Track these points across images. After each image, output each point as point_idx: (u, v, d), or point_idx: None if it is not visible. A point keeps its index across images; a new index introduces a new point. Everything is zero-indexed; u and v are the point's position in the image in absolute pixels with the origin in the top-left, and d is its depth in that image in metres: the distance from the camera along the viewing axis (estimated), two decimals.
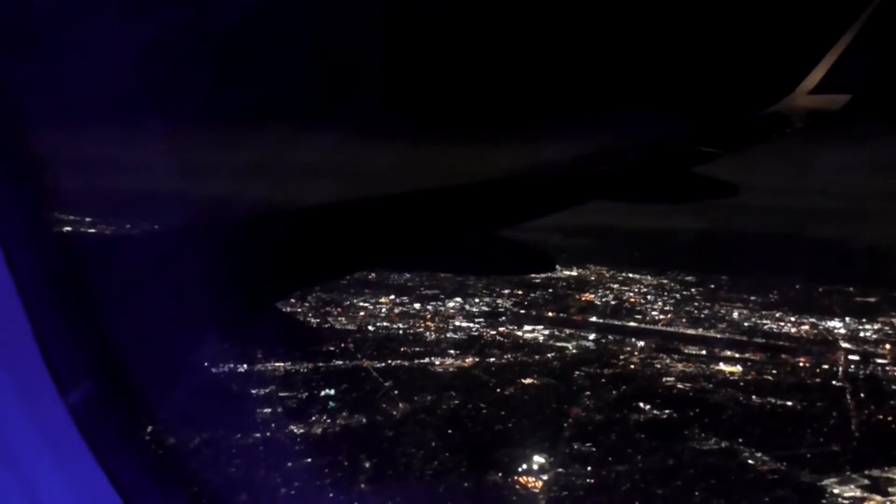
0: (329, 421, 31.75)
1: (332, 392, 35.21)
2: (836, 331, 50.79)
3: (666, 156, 6.92)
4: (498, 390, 36.50)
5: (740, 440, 30.67)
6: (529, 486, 26.33)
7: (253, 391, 34.70)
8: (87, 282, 3.38)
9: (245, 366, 38.05)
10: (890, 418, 33.73)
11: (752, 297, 59.35)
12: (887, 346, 46.86)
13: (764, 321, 53.69)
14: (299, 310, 50.12)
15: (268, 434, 30.20)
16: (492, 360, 42.36)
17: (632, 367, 41.74)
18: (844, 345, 47.45)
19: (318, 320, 49.65)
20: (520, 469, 27.52)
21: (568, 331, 49.57)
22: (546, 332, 49.31)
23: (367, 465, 27.46)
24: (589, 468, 27.71)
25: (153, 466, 3.39)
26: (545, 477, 26.93)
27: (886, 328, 50.40)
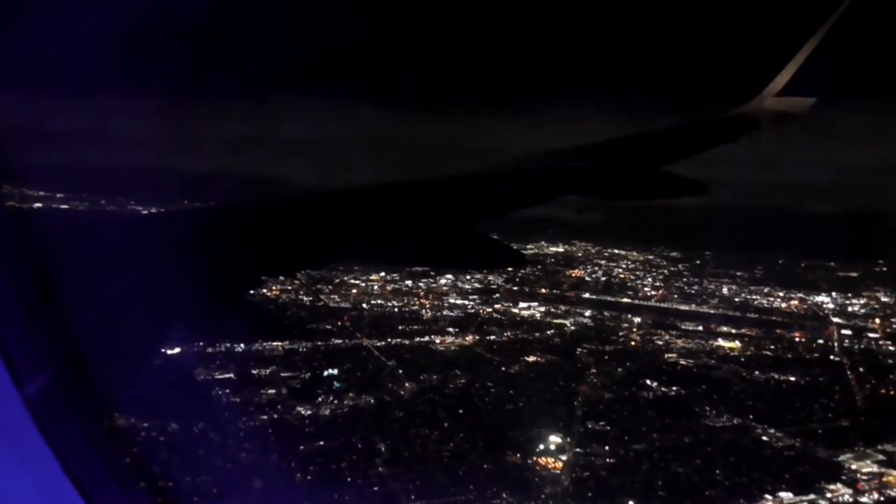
0: (336, 402, 31.05)
1: (336, 372, 34.51)
2: (825, 305, 51.40)
3: (638, 154, 6.90)
4: (503, 369, 36.14)
5: (751, 416, 30.73)
6: (550, 466, 25.99)
7: (254, 372, 33.90)
8: (51, 265, 3.15)
9: (242, 345, 37.21)
10: (893, 392, 34.10)
11: (739, 273, 59.91)
12: (877, 321, 47.52)
13: (754, 296, 54.18)
14: (290, 288, 49.29)
15: (275, 416, 29.45)
16: (492, 337, 42.02)
17: (632, 343, 41.68)
18: (835, 319, 48.02)
19: (310, 298, 48.83)
20: (538, 449, 27.17)
21: (563, 307, 49.43)
22: (542, 308, 49.12)
23: (383, 447, 26.85)
24: (607, 447, 27.48)
25: (117, 464, 3.20)
26: (564, 457, 26.62)
27: (872, 302, 51.17)
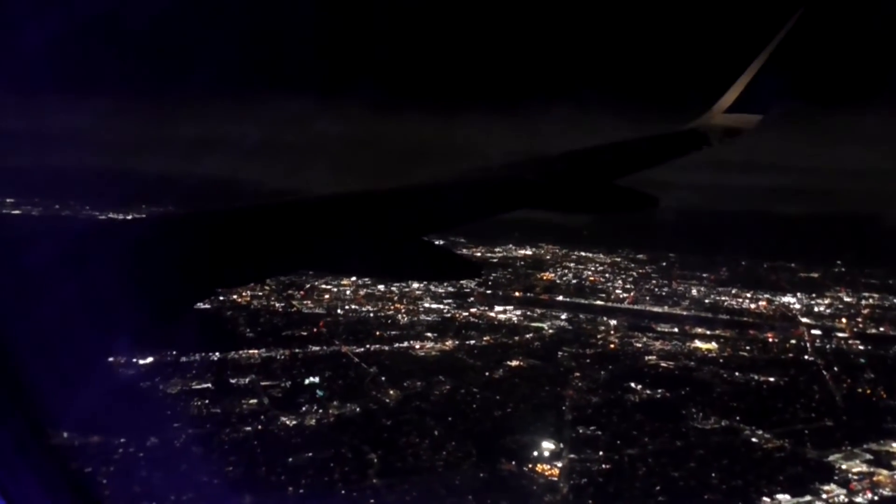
0: (321, 411, 30.14)
1: (317, 380, 33.58)
2: (791, 306, 52.45)
3: (591, 168, 7.11)
4: (486, 373, 35.70)
5: (738, 418, 30.88)
6: (547, 473, 25.56)
7: (233, 381, 32.78)
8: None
9: (217, 354, 35.96)
10: (868, 391, 34.75)
11: (705, 275, 60.88)
12: (843, 320, 48.68)
13: (723, 297, 54.99)
14: (260, 294, 48.12)
15: (258, 427, 28.39)
16: (472, 342, 41.55)
17: (612, 346, 41.69)
18: (804, 320, 48.99)
19: (282, 304, 47.66)
20: (532, 456, 26.73)
21: (539, 311, 49.28)
22: (518, 312, 48.89)
23: (374, 458, 26.06)
24: (601, 453, 27.21)
25: (59, 487, 3.00)
26: (560, 464, 26.23)
27: (836, 303, 52.44)
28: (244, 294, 47.10)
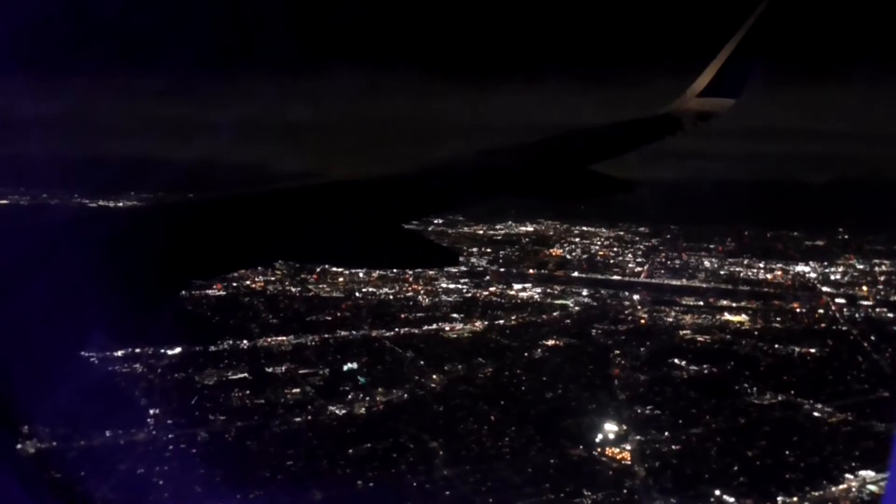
0: (368, 399, 29.02)
1: (355, 366, 32.46)
2: (807, 275, 52.09)
3: (565, 153, 7.17)
4: (526, 354, 34.84)
5: (792, 392, 30.32)
6: (619, 457, 24.73)
7: (269, 370, 31.57)
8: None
9: (245, 342, 34.76)
10: None
11: (712, 246, 60.52)
12: (864, 288, 48.46)
13: (737, 268, 54.60)
14: (273, 279, 46.75)
15: (309, 418, 27.23)
16: (500, 322, 40.55)
17: (642, 321, 41.01)
18: (824, 289, 48.63)
19: (298, 289, 46.28)
20: (598, 439, 25.91)
21: (558, 287, 48.45)
22: (538, 289, 47.98)
23: (436, 446, 25.04)
24: (666, 433, 26.45)
25: (40, 486, 2.92)
26: (628, 446, 25.44)
27: (851, 270, 52.19)
28: (257, 279, 45.72)
